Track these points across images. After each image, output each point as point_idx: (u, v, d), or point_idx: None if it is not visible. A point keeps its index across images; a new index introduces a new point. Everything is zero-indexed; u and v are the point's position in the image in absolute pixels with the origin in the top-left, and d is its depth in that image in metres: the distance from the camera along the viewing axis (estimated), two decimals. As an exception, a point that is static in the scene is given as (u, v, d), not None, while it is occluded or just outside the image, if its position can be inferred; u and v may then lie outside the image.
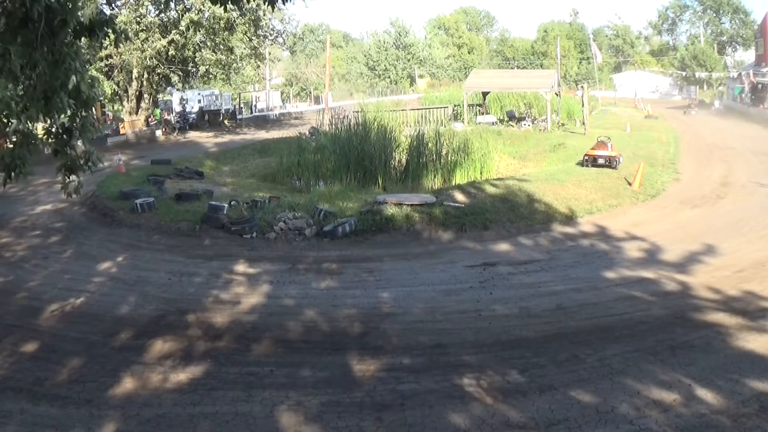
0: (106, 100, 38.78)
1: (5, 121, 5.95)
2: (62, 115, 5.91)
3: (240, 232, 13.31)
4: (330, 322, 8.88)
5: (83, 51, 6.01)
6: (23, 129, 6.01)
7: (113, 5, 28.83)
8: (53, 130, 6.25)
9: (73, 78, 5.60)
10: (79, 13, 5.63)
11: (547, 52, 77.39)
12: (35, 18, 5.22)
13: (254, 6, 27.26)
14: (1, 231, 14.25)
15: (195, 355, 7.78)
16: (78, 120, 6.16)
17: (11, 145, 6.16)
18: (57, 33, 5.47)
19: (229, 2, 6.30)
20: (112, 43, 6.68)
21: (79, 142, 6.56)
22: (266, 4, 6.17)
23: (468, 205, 14.85)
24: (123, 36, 6.71)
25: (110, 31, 6.07)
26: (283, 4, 6.23)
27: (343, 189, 18.57)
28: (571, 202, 15.74)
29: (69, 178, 6.46)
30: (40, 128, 6.54)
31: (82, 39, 5.99)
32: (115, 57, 31.65)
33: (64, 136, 6.27)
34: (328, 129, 27.07)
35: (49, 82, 5.52)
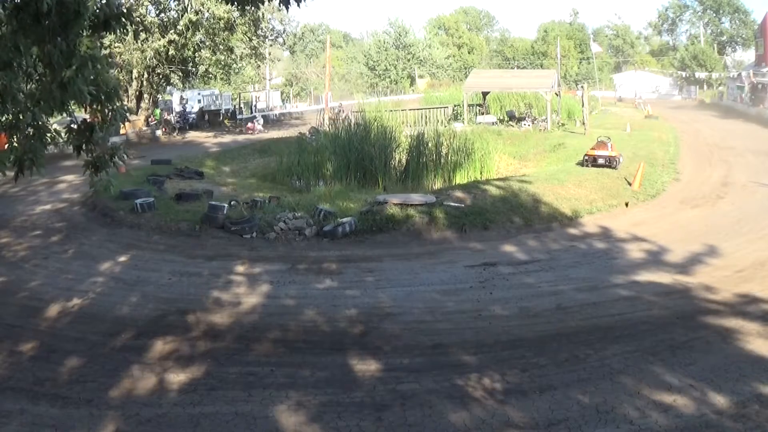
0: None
1: (18, 115, 5.79)
2: (83, 108, 5.72)
3: (240, 232, 13.32)
4: (330, 322, 8.88)
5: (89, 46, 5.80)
6: (36, 123, 5.82)
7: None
8: (74, 126, 6.05)
9: (89, 64, 5.42)
10: (96, 6, 5.47)
11: (547, 52, 77.24)
12: (45, 11, 5.06)
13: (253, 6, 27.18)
14: (1, 231, 14.24)
15: (195, 355, 7.78)
16: (100, 113, 5.94)
17: (15, 140, 5.98)
18: (70, 26, 5.31)
19: (248, 4, 6.16)
20: (135, 35, 6.53)
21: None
22: (280, 4, 6.06)
23: (468, 205, 14.84)
24: (141, 28, 6.52)
25: (128, 23, 5.91)
26: (298, 5, 6.10)
27: (343, 189, 18.56)
28: (571, 202, 15.74)
29: (96, 175, 6.25)
30: (57, 125, 6.39)
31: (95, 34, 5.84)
32: (115, 57, 31.64)
33: (86, 132, 6.02)
34: (328, 129, 27.07)
35: (65, 70, 5.33)
